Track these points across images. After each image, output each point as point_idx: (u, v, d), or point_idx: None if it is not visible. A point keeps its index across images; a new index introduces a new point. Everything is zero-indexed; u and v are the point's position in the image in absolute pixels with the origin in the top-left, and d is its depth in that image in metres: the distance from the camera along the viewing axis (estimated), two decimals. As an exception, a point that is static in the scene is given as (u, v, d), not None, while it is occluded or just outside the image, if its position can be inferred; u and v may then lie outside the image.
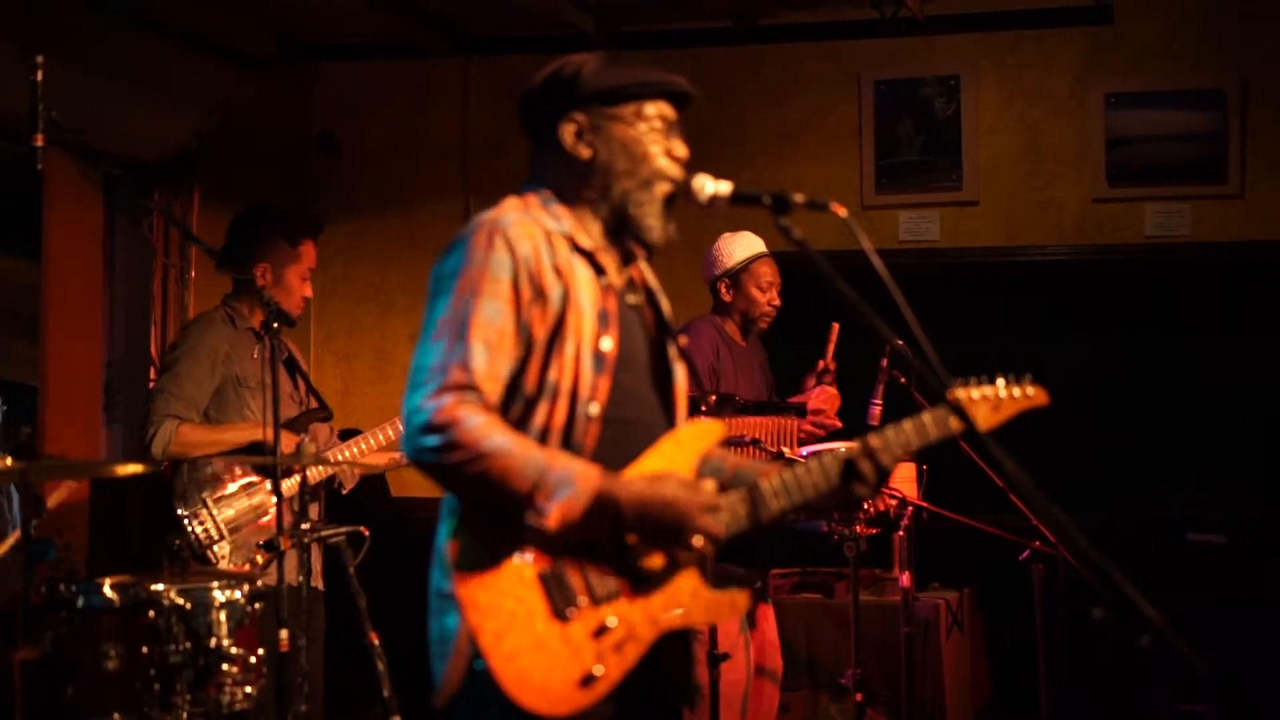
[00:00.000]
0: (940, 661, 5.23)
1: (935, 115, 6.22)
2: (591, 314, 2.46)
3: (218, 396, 4.39)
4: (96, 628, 3.42)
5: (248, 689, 3.52)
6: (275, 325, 3.82)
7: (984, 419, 2.52)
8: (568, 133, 2.53)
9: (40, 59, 3.54)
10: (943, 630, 5.28)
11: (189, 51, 5.55)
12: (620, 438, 2.45)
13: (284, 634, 3.64)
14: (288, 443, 4.18)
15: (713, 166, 2.53)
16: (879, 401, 4.72)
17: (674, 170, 2.53)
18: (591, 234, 2.54)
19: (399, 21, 6.06)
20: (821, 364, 4.95)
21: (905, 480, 4.75)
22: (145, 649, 3.41)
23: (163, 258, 5.86)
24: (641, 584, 2.40)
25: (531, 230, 2.46)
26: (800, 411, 4.74)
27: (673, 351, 2.62)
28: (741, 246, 4.99)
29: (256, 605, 3.60)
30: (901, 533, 4.68)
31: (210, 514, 4.30)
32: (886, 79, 6.26)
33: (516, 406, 2.43)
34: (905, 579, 4.71)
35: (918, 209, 6.25)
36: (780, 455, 4.25)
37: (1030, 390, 2.57)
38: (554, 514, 2.30)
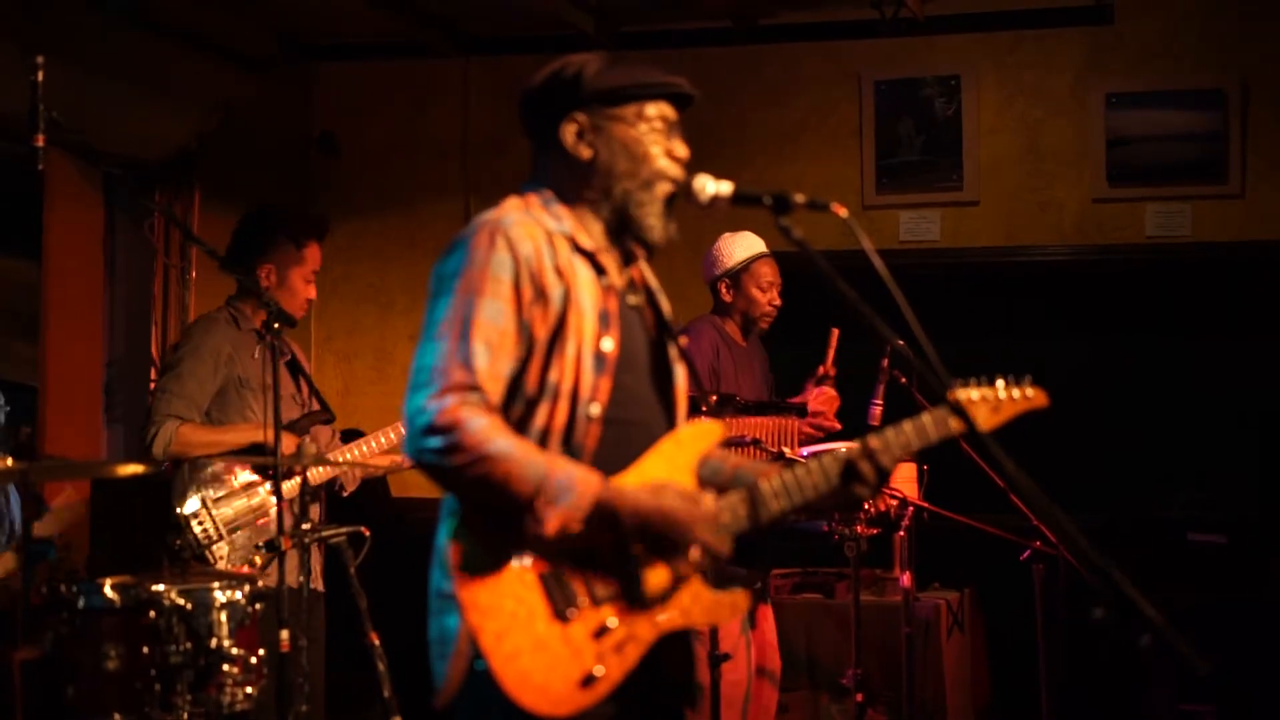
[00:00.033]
0: (941, 662, 5.23)
1: (936, 115, 6.22)
2: (593, 314, 2.46)
3: (220, 397, 4.39)
4: (97, 628, 3.41)
5: (248, 689, 3.52)
6: (276, 325, 3.82)
7: (984, 420, 2.52)
8: (569, 133, 2.53)
9: (40, 59, 3.54)
10: (943, 630, 5.28)
11: (189, 51, 5.55)
12: (621, 438, 2.45)
13: (285, 634, 3.64)
14: (289, 444, 4.18)
15: (713, 166, 2.53)
16: (879, 402, 4.71)
17: (675, 171, 2.53)
18: (592, 234, 2.54)
19: (399, 21, 6.06)
20: (821, 369, 4.94)
21: (906, 480, 4.75)
22: (146, 649, 3.41)
23: (163, 258, 5.86)
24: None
25: (533, 230, 2.46)
26: (801, 412, 4.74)
27: (673, 352, 2.63)
28: (742, 246, 4.99)
29: (257, 606, 3.60)
30: (902, 533, 4.68)
31: (209, 514, 4.30)
32: (887, 79, 6.26)
33: (517, 407, 2.43)
34: (906, 579, 4.71)
35: (918, 209, 6.25)
36: (781, 455, 4.25)
37: (1030, 392, 2.57)
38: (553, 520, 2.30)
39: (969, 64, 6.22)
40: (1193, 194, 6.03)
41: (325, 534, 3.86)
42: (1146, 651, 1.86)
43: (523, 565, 2.35)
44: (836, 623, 5.25)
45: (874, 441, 2.47)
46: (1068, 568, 4.53)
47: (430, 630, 2.41)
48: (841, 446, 2.69)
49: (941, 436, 2.49)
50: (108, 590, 3.44)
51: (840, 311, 2.31)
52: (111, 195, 5.58)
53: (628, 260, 2.60)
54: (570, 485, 2.31)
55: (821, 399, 4.84)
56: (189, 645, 3.45)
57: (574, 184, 2.55)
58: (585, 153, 2.53)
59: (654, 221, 2.53)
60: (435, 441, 2.30)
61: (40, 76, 3.54)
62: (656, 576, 2.40)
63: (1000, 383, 2.56)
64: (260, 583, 3.65)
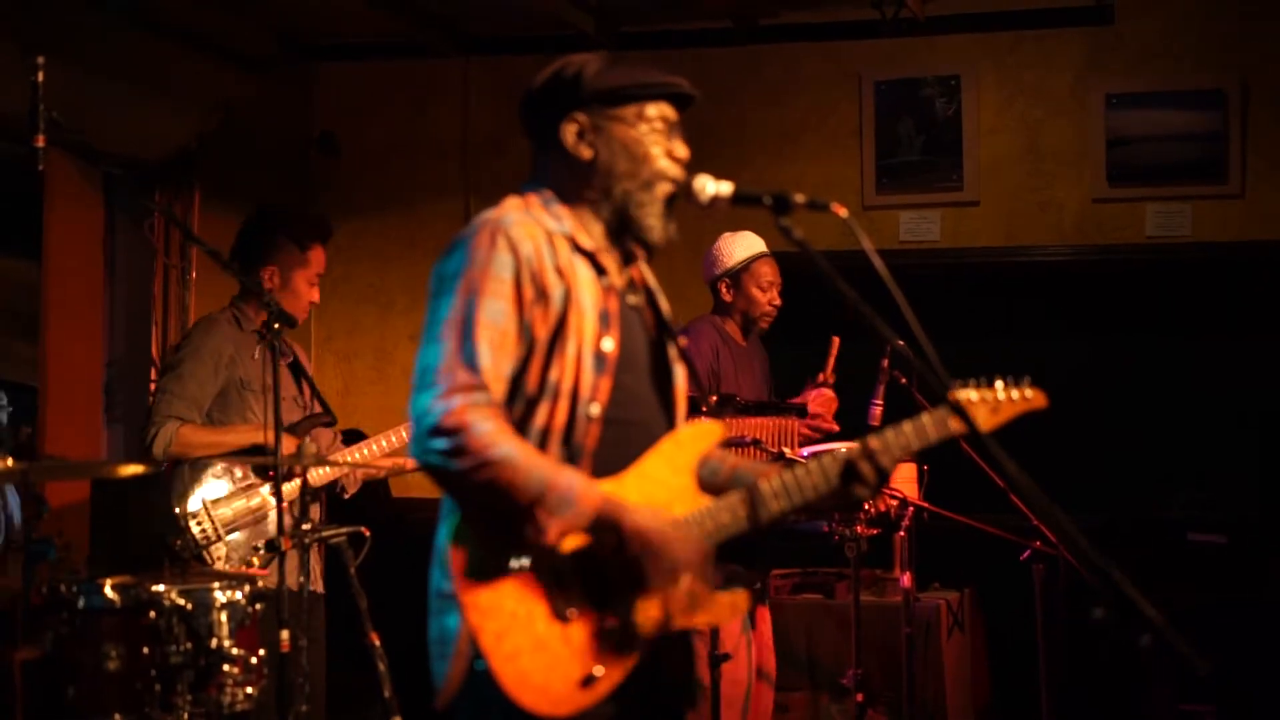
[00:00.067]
0: (941, 662, 5.23)
1: (936, 115, 6.22)
2: (593, 314, 2.46)
3: (221, 398, 4.39)
4: (97, 628, 3.41)
5: (248, 690, 3.52)
6: (276, 326, 3.82)
7: (983, 421, 2.52)
8: (569, 133, 2.53)
9: (40, 59, 3.54)
10: (943, 630, 5.28)
11: (189, 51, 5.55)
12: (621, 438, 2.46)
13: (285, 635, 3.64)
14: (289, 446, 4.17)
15: (713, 167, 2.53)
16: (880, 402, 4.71)
17: (675, 171, 2.53)
18: (593, 234, 2.54)
19: (399, 21, 6.06)
20: (821, 377, 4.94)
21: (906, 481, 4.75)
22: (146, 649, 3.41)
23: (163, 258, 5.86)
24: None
25: (533, 230, 2.46)
26: (801, 412, 4.74)
27: (673, 352, 2.63)
28: (742, 246, 4.99)
29: (257, 606, 3.61)
30: (902, 533, 4.68)
31: (208, 515, 4.30)
32: (887, 79, 6.26)
33: (517, 406, 2.43)
34: (906, 579, 4.70)
35: (918, 209, 6.25)
36: (781, 456, 4.25)
37: (1029, 393, 2.57)
38: (554, 530, 2.30)
39: (969, 64, 6.22)
40: (1193, 194, 6.03)
41: (325, 534, 3.86)
42: (1146, 651, 1.86)
43: (523, 565, 2.35)
44: (836, 623, 5.25)
45: (874, 442, 2.47)
46: (1068, 568, 4.54)
47: (430, 630, 2.41)
48: (841, 447, 2.69)
49: (941, 437, 2.49)
50: (108, 590, 3.44)
51: (840, 311, 2.30)
52: (111, 195, 5.57)
53: (627, 260, 2.60)
54: (573, 496, 2.31)
55: (820, 401, 4.84)
56: (189, 645, 3.45)
57: (574, 184, 2.55)
58: (585, 153, 2.53)
59: (654, 222, 2.53)
60: (441, 443, 2.30)
61: (40, 76, 3.54)
62: (646, 610, 2.38)
63: (999, 384, 2.56)
64: (260, 583, 3.65)
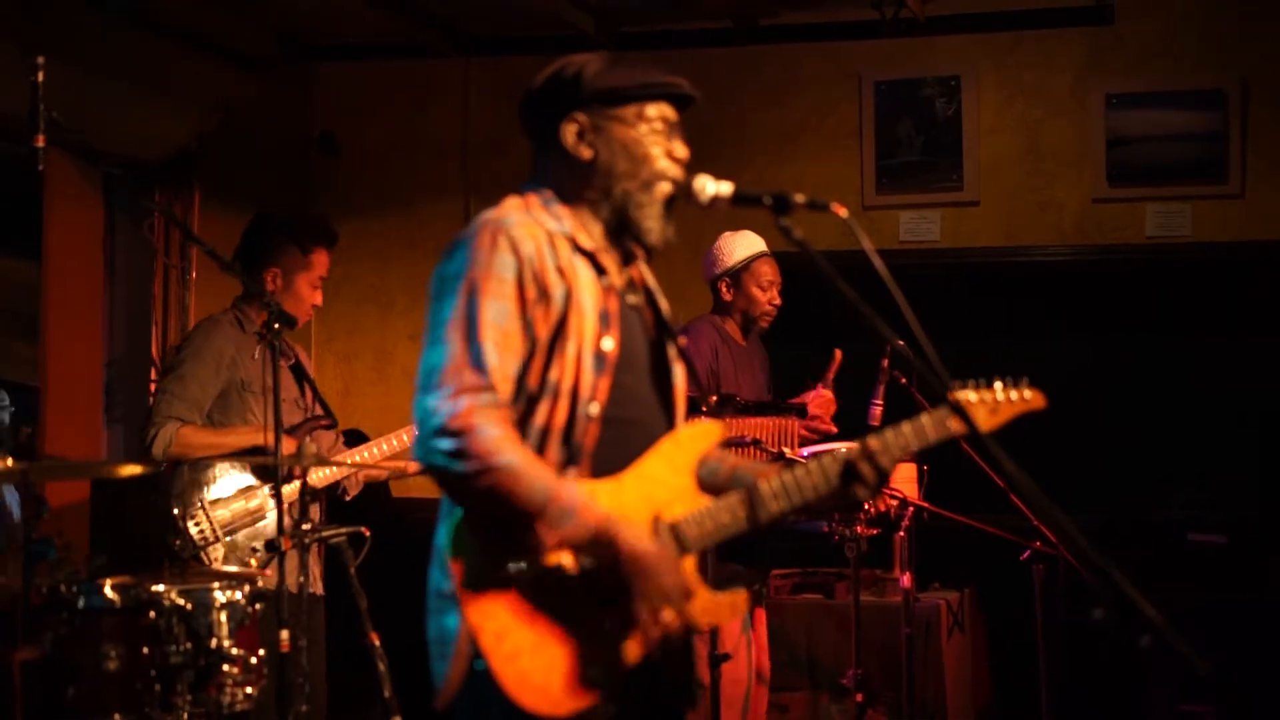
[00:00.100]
0: (941, 662, 5.23)
1: (936, 115, 6.21)
2: (593, 314, 2.46)
3: (221, 400, 4.38)
4: (97, 628, 3.41)
5: (248, 690, 3.52)
6: (276, 326, 3.82)
7: (982, 422, 2.51)
8: (569, 133, 2.53)
9: (40, 59, 3.54)
10: (943, 631, 5.28)
11: (189, 51, 5.55)
12: (620, 438, 2.45)
13: (284, 635, 3.64)
14: (289, 448, 4.17)
15: (713, 167, 2.53)
16: (879, 402, 4.71)
17: (675, 171, 2.53)
18: (593, 234, 2.54)
19: (399, 21, 6.06)
20: (820, 386, 4.94)
21: (906, 481, 4.75)
22: (146, 650, 3.42)
23: (163, 258, 5.86)
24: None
25: (534, 231, 2.46)
26: (801, 412, 4.73)
27: (672, 352, 2.63)
28: (742, 245, 4.99)
29: (257, 606, 3.61)
30: (902, 533, 4.68)
31: (206, 515, 4.29)
32: (887, 79, 6.26)
33: (518, 405, 2.42)
34: (906, 579, 4.70)
35: (918, 209, 6.25)
36: (781, 456, 4.25)
37: (1028, 394, 2.56)
38: (551, 544, 2.30)
39: (969, 64, 6.21)
40: (1193, 194, 6.03)
41: (325, 534, 3.86)
42: (1146, 652, 1.86)
43: (520, 569, 2.34)
44: (836, 623, 5.25)
45: (873, 442, 2.47)
46: (1068, 568, 4.54)
47: (430, 630, 2.41)
48: (841, 447, 2.69)
49: (940, 438, 2.49)
50: (108, 590, 3.44)
51: (840, 311, 2.30)
52: (111, 195, 5.57)
53: (627, 260, 2.60)
54: (573, 511, 2.31)
55: (819, 402, 4.84)
56: (189, 645, 3.45)
57: (574, 184, 2.55)
58: (585, 153, 2.53)
59: (653, 224, 2.53)
60: (446, 444, 2.30)
61: (40, 76, 3.54)
62: (628, 651, 2.38)
63: (998, 384, 2.56)
64: (260, 583, 3.65)
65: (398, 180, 6.71)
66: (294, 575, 3.79)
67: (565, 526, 2.30)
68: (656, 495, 2.45)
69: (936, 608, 5.29)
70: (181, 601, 3.46)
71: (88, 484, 5.27)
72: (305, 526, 3.78)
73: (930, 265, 6.19)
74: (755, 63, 6.39)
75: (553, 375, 2.42)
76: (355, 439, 4.74)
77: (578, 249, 2.50)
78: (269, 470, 3.90)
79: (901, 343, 2.27)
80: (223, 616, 3.51)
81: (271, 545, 3.72)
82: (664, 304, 2.65)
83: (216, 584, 3.56)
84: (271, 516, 4.28)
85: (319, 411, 4.56)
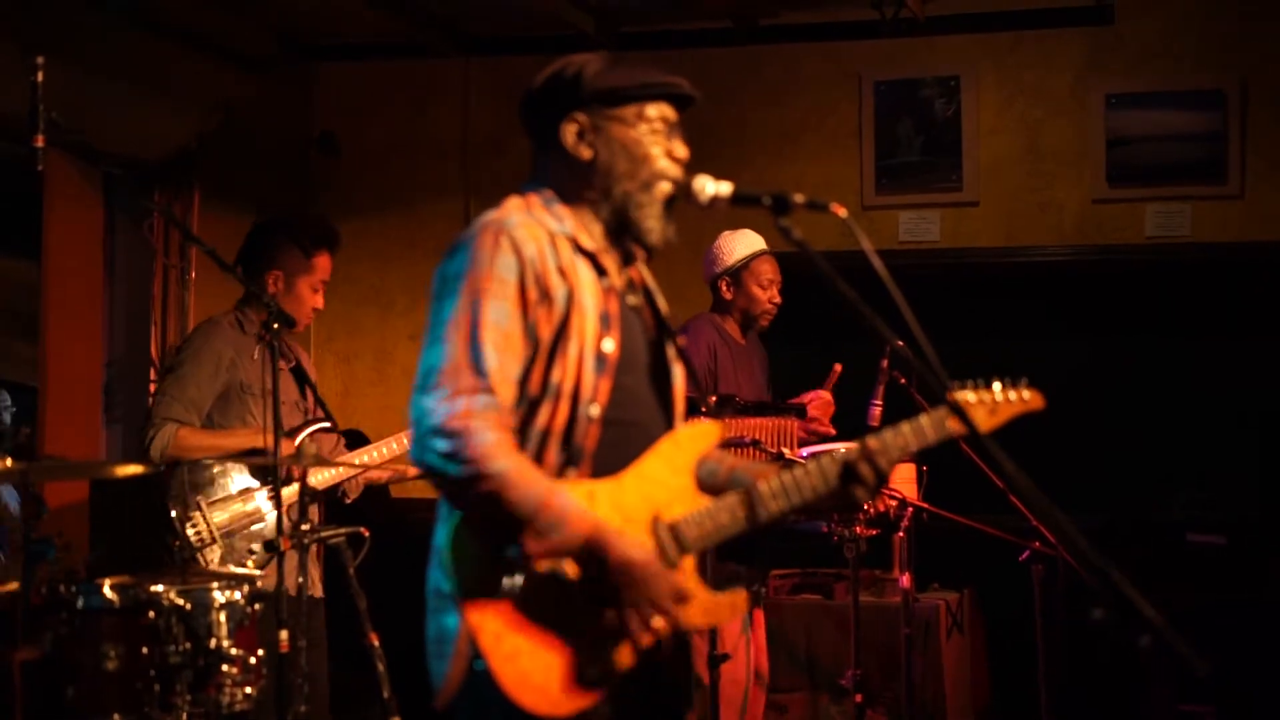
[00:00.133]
0: (940, 662, 5.23)
1: (935, 116, 6.21)
2: (594, 315, 2.46)
3: (221, 401, 4.38)
4: (97, 628, 3.42)
5: (247, 690, 3.53)
6: (275, 326, 3.82)
7: (981, 422, 2.51)
8: (569, 133, 2.53)
9: (40, 59, 3.54)
10: (943, 631, 5.28)
11: (189, 51, 5.55)
12: (620, 439, 2.45)
13: (284, 635, 3.64)
14: (288, 450, 4.17)
15: (713, 167, 2.53)
16: (879, 402, 4.71)
17: (674, 171, 2.53)
18: (593, 235, 2.54)
19: (399, 21, 6.06)
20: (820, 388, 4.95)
21: (905, 481, 4.75)
22: (145, 650, 3.42)
23: (163, 258, 5.86)
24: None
25: (536, 231, 2.46)
26: (800, 412, 4.74)
27: (671, 353, 2.63)
28: (742, 244, 4.99)
29: (256, 606, 3.61)
30: (901, 534, 4.68)
31: (204, 517, 4.29)
32: (887, 79, 6.26)
33: (520, 407, 2.42)
34: (905, 580, 4.70)
35: (918, 209, 6.25)
36: (780, 456, 4.25)
37: (1027, 394, 2.56)
38: (540, 553, 2.30)
39: (969, 64, 6.21)
40: (1193, 194, 6.02)
41: (324, 535, 3.86)
42: (1146, 652, 1.86)
43: (515, 584, 2.33)
44: (836, 623, 5.25)
45: (872, 443, 2.47)
46: (1067, 568, 4.53)
47: (429, 630, 2.41)
48: (840, 448, 2.69)
49: (940, 438, 2.49)
50: (107, 590, 3.44)
51: (840, 312, 2.30)
52: (111, 195, 5.57)
53: (627, 260, 2.60)
54: (563, 521, 2.30)
55: (818, 404, 4.85)
56: (188, 645, 3.45)
57: (574, 184, 2.55)
58: (585, 153, 2.53)
59: (653, 224, 2.53)
60: (441, 444, 2.30)
61: (40, 76, 3.54)
62: (624, 654, 2.37)
63: (997, 385, 2.56)
64: (259, 583, 3.65)
65: (398, 180, 6.71)
66: (293, 577, 3.79)
67: (554, 537, 2.29)
68: (656, 495, 2.45)
69: (936, 608, 5.29)
70: (181, 601, 3.47)
71: (87, 484, 5.27)
72: (304, 527, 3.78)
73: (930, 265, 6.19)
74: (755, 63, 6.39)
75: (554, 377, 2.42)
76: (355, 439, 4.74)
77: (579, 249, 2.50)
78: (268, 472, 3.90)
79: (901, 343, 2.27)
80: (222, 617, 3.52)
81: (270, 546, 3.72)
82: (663, 304, 2.65)
83: (216, 584, 3.56)
84: (269, 519, 4.28)
85: (319, 414, 4.56)
